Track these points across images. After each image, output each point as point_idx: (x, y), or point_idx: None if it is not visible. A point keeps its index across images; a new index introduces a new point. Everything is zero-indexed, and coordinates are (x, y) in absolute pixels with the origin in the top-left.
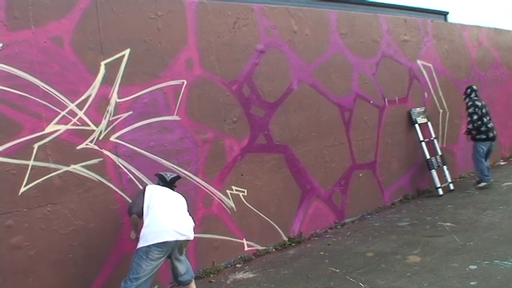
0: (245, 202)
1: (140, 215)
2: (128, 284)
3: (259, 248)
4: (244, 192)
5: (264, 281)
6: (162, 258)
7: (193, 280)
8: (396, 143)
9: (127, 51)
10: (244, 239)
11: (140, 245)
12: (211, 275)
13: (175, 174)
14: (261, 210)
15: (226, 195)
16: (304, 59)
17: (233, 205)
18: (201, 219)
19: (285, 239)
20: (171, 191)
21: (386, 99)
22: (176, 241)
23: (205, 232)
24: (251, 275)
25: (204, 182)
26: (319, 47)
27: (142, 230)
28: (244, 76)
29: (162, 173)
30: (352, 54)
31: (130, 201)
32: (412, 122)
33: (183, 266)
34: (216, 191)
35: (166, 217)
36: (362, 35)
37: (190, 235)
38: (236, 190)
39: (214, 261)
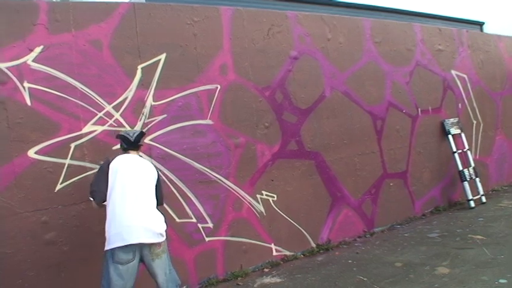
0: (275, 207)
1: (105, 200)
2: None
3: (287, 253)
4: (274, 197)
5: (291, 286)
6: (133, 261)
7: None
8: (428, 153)
9: (163, 56)
10: (272, 244)
11: (105, 248)
12: (239, 278)
13: (139, 131)
14: (290, 215)
15: (256, 199)
16: (337, 66)
17: (263, 210)
18: (231, 222)
19: (313, 245)
20: (137, 159)
21: (419, 109)
22: (141, 244)
23: (234, 235)
24: (278, 280)
25: (234, 186)
26: (353, 55)
27: (106, 230)
28: (277, 82)
29: (124, 134)
30: (385, 63)
31: (94, 183)
32: (445, 133)
33: (161, 275)
34: (246, 195)
35: (130, 213)
36: (396, 44)
37: (158, 238)
38: (266, 195)
39: (242, 265)
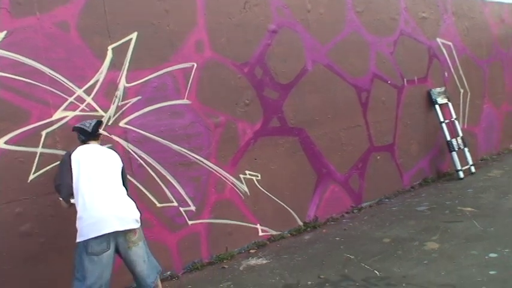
0: (259, 186)
1: (71, 194)
2: (76, 284)
3: (274, 233)
4: (257, 176)
5: (277, 267)
6: (108, 251)
7: (157, 280)
8: (415, 125)
9: (134, 35)
10: (258, 224)
11: (77, 239)
12: (224, 261)
13: (95, 120)
14: (275, 194)
15: (239, 179)
16: (318, 38)
17: (246, 190)
18: (214, 204)
19: (300, 223)
20: (99, 149)
21: (405, 79)
22: (115, 232)
23: (218, 217)
24: (264, 261)
25: (216, 167)
26: (334, 26)
27: (77, 222)
28: (256, 57)
29: (80, 125)
30: (368, 33)
31: (57, 177)
32: (432, 103)
33: (139, 262)
34: (228, 175)
35: (101, 202)
36: (379, 13)
37: (133, 225)
38: (249, 174)
39: (227, 247)
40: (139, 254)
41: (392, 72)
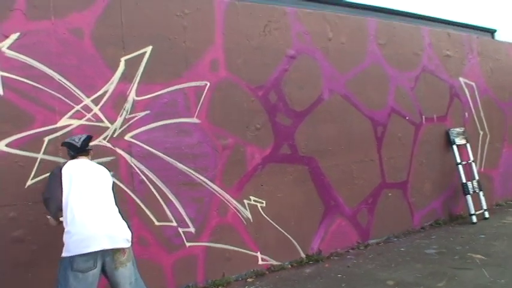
0: (263, 214)
1: (60, 210)
2: None
3: (274, 263)
4: (262, 203)
5: None
6: (94, 270)
7: None
8: (431, 164)
9: (149, 48)
10: (258, 252)
11: (63, 254)
12: (220, 287)
13: (85, 135)
14: (279, 223)
15: (243, 204)
16: (337, 68)
17: (250, 216)
18: (214, 227)
19: (303, 255)
20: (90, 164)
21: (423, 116)
22: (103, 250)
23: (218, 242)
24: None
25: (220, 190)
26: (355, 57)
27: (65, 236)
28: (272, 82)
29: (68, 140)
30: (390, 66)
31: (46, 190)
32: (449, 143)
33: (124, 284)
34: (232, 199)
35: (91, 219)
36: (402, 47)
37: (123, 244)
38: (254, 200)
39: (224, 273)
40: (126, 275)
41: (411, 108)
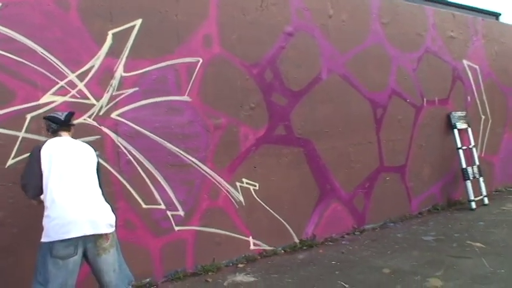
0: (256, 197)
1: (39, 194)
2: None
3: (267, 248)
4: (255, 186)
5: (264, 287)
6: (75, 257)
7: None
8: (430, 148)
9: (138, 22)
10: (250, 237)
11: (42, 239)
12: (210, 273)
13: (68, 111)
14: (272, 207)
15: (235, 187)
16: (337, 47)
17: (242, 199)
18: (205, 211)
19: (296, 240)
20: (73, 142)
21: (424, 99)
22: (85, 236)
23: (208, 226)
24: (251, 279)
25: (211, 171)
26: (356, 35)
27: (44, 220)
28: (268, 59)
29: (53, 115)
30: (392, 47)
31: (24, 175)
32: (450, 126)
33: (108, 272)
34: (224, 182)
35: (72, 202)
36: (405, 27)
37: (106, 229)
38: (247, 183)
39: (214, 258)
40: (109, 262)
41: (412, 90)
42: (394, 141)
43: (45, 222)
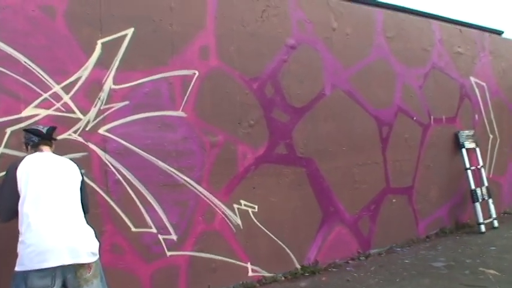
0: (254, 220)
1: (11, 218)
2: None
3: (266, 274)
4: (254, 208)
5: None
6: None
7: None
8: (438, 168)
9: (130, 31)
10: (248, 263)
11: (16, 267)
12: None
13: (49, 126)
14: (272, 231)
15: (232, 209)
16: (341, 61)
17: (239, 222)
18: (199, 235)
19: (298, 266)
20: (53, 158)
21: (432, 117)
22: (63, 266)
23: (203, 251)
24: None
25: (207, 192)
26: (361, 49)
27: (18, 246)
28: (269, 74)
29: (33, 127)
30: (397, 62)
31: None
32: (458, 146)
33: None
34: (220, 204)
35: (48, 227)
36: (411, 41)
37: (87, 259)
38: (245, 205)
39: (210, 286)
40: None
41: (419, 108)
42: (401, 162)
43: (19, 248)
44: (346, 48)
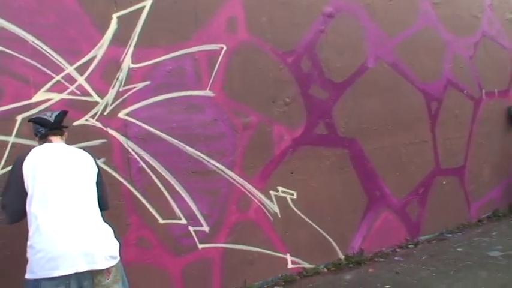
0: (293, 207)
1: (20, 219)
2: None
3: (307, 266)
4: (293, 194)
5: None
6: None
7: None
8: (491, 146)
9: (148, 3)
10: (288, 254)
11: (26, 275)
12: None
13: (59, 111)
14: (313, 219)
15: (269, 197)
16: (385, 30)
17: (277, 210)
18: (233, 225)
19: (341, 257)
20: (64, 149)
21: (483, 90)
22: (78, 273)
23: (238, 242)
24: None
25: (240, 179)
26: (406, 17)
27: (28, 251)
28: (305, 46)
29: (40, 116)
30: (445, 30)
31: (4, 193)
32: (511, 121)
33: None
34: (256, 191)
35: (60, 230)
36: (459, 7)
37: (105, 263)
38: (283, 192)
39: (246, 280)
40: None
41: (469, 81)
42: (451, 140)
43: (29, 253)
44: (390, 16)
